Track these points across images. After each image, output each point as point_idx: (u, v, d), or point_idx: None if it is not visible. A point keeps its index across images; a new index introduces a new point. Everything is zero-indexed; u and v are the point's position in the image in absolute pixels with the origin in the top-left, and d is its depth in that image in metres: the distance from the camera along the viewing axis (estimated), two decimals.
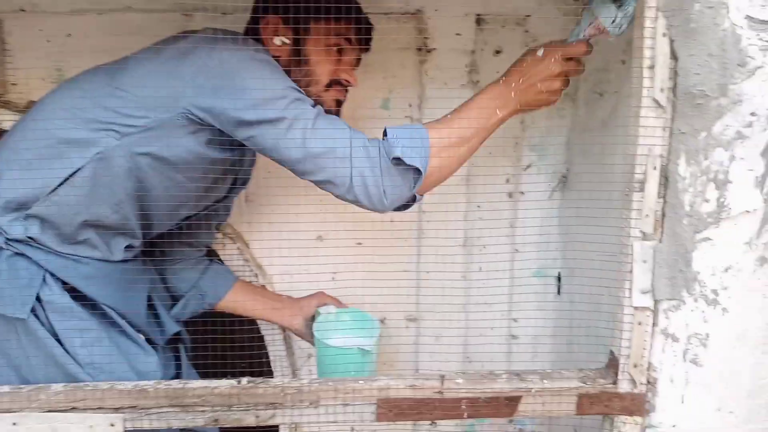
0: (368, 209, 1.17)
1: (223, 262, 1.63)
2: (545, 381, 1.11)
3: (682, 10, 0.96)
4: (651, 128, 1.00)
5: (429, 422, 1.83)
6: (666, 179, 1.03)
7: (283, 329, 1.72)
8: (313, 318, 1.57)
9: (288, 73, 1.19)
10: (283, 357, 1.74)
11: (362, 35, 1.30)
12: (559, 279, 1.72)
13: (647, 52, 0.99)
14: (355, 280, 1.64)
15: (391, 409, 1.09)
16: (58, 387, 1.07)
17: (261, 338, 1.72)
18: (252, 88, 1.09)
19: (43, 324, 1.13)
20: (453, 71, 1.58)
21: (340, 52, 1.29)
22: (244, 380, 1.09)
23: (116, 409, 1.07)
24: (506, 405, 1.11)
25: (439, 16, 1.55)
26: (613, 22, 1.12)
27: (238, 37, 1.21)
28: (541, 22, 1.57)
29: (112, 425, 1.07)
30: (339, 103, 1.33)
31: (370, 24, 1.33)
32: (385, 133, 1.16)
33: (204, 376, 1.31)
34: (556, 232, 1.69)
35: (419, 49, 1.60)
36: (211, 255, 1.61)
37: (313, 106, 1.15)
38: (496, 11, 1.57)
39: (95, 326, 1.17)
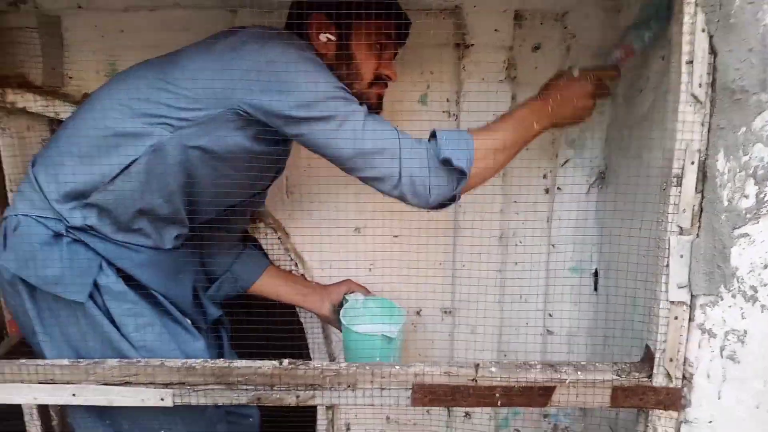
0: (412, 205, 1.23)
1: (257, 247, 1.69)
2: (579, 372, 1.13)
3: (722, 6, 0.96)
4: (689, 123, 1.01)
5: (464, 414, 1.85)
6: (704, 174, 1.03)
7: (326, 323, 1.77)
8: (341, 305, 1.62)
9: (332, 69, 1.23)
10: (321, 345, 1.79)
11: (401, 30, 1.35)
12: (596, 275, 1.72)
13: (686, 48, 0.99)
14: (392, 271, 1.69)
15: (426, 394, 1.13)
16: (113, 362, 1.14)
17: (300, 327, 1.78)
18: (302, 87, 1.14)
19: (99, 308, 1.20)
20: (491, 67, 1.60)
21: (380, 47, 1.33)
22: (286, 362, 1.14)
23: (166, 385, 1.14)
24: (540, 395, 1.13)
25: (478, 13, 1.57)
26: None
27: (284, 34, 1.25)
28: (580, 18, 1.57)
29: (162, 399, 1.14)
30: (380, 97, 1.37)
31: (409, 19, 1.38)
32: (432, 135, 1.22)
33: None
34: (593, 227, 1.68)
35: (457, 45, 1.62)
36: (246, 240, 1.67)
37: (360, 105, 1.19)
38: (535, 7, 1.58)
39: (147, 311, 1.24)
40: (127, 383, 1.13)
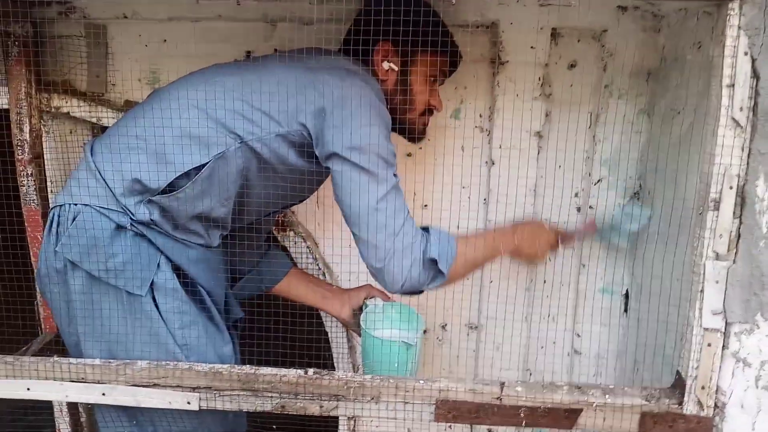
0: (381, 282, 1.29)
1: (280, 247, 1.70)
2: (607, 396, 1.11)
3: (766, 29, 0.95)
4: (728, 147, 0.99)
5: (486, 430, 1.83)
6: (743, 200, 1.01)
7: (345, 326, 1.78)
8: (360, 309, 1.62)
9: (391, 97, 1.31)
10: (345, 354, 1.80)
11: (455, 67, 1.44)
12: (627, 296, 1.69)
13: (727, 71, 0.98)
14: None
15: (449, 410, 1.12)
16: (143, 364, 1.17)
17: (326, 335, 1.79)
18: (360, 132, 1.19)
19: (153, 303, 1.23)
20: (525, 83, 1.59)
21: (434, 80, 1.39)
22: (311, 371, 1.15)
23: (193, 389, 1.16)
24: (565, 417, 1.11)
25: (514, 29, 1.57)
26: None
27: (361, 72, 1.29)
28: (618, 37, 1.56)
29: (189, 402, 1.15)
30: (425, 125, 1.44)
31: (461, 56, 1.44)
32: (426, 229, 1.29)
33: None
34: (625, 249, 1.66)
35: (492, 61, 1.62)
36: (269, 240, 1.69)
37: (394, 175, 1.25)
38: (573, 25, 1.57)
39: (192, 310, 1.26)
40: (155, 385, 1.15)
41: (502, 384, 1.13)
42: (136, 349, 1.21)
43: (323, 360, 1.84)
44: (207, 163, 1.22)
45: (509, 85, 1.60)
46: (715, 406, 1.08)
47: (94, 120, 1.66)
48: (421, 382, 1.13)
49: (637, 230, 1.52)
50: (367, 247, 1.25)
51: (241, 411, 1.21)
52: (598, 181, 1.66)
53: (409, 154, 1.70)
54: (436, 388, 1.12)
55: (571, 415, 1.11)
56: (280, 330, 1.57)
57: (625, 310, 1.70)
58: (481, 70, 1.64)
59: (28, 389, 1.16)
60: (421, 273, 1.25)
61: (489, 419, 1.12)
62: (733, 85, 0.97)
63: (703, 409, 1.08)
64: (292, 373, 1.14)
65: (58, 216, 1.25)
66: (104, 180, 1.23)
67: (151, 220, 1.23)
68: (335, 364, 1.81)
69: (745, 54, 0.96)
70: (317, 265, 1.75)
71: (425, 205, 1.74)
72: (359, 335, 1.63)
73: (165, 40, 1.67)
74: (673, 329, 1.34)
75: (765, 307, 1.03)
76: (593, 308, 1.70)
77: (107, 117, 1.67)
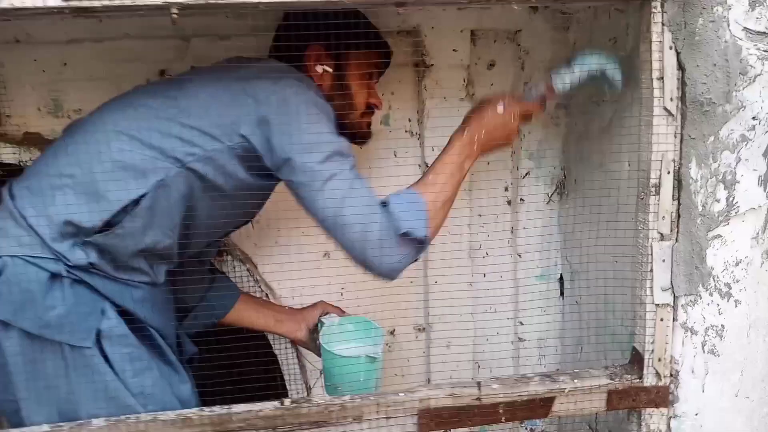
0: (375, 276, 1.22)
1: (225, 274, 1.63)
2: (576, 381, 1.16)
3: (687, 24, 1.03)
4: (663, 135, 1.07)
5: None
6: (679, 182, 1.09)
7: (294, 345, 1.73)
8: (316, 327, 1.59)
9: (329, 101, 1.23)
10: (296, 375, 1.75)
11: (388, 59, 1.42)
12: (561, 281, 1.79)
13: (656, 65, 1.05)
14: (364, 293, 1.68)
15: (432, 419, 1.12)
16: (99, 422, 1.07)
17: (274, 358, 1.73)
18: (307, 134, 1.13)
19: (101, 354, 1.12)
20: (451, 86, 1.63)
21: (370, 77, 1.37)
22: (287, 401, 1.10)
23: None
24: (541, 406, 1.15)
25: (436, 33, 1.60)
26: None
27: (295, 72, 1.23)
28: (532, 35, 1.64)
29: None
30: (369, 125, 1.42)
31: (392, 51, 1.43)
32: (385, 203, 1.20)
33: (220, 397, 1.31)
34: (557, 235, 1.75)
35: (416, 65, 1.64)
36: (213, 268, 1.61)
37: (352, 158, 1.19)
38: (489, 26, 1.63)
39: (145, 355, 1.17)
40: None
41: (479, 383, 1.15)
42: (88, 407, 1.11)
43: (275, 382, 1.78)
44: (146, 194, 1.13)
45: (436, 88, 1.63)
46: (671, 375, 1.17)
47: None
48: (402, 394, 1.12)
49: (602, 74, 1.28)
50: (346, 249, 1.19)
51: None
52: (527, 173, 1.73)
53: None
54: (417, 398, 1.12)
55: (546, 403, 1.15)
56: (224, 359, 1.50)
57: (561, 294, 1.79)
58: (406, 75, 1.65)
59: None
60: (403, 250, 1.18)
61: (470, 420, 1.14)
62: (662, 78, 1.05)
63: (661, 380, 1.17)
64: (269, 406, 1.09)
65: None
66: (30, 226, 1.11)
67: (89, 263, 1.13)
68: (287, 386, 1.76)
69: (671, 48, 1.05)
70: (259, 287, 1.69)
71: None
72: (318, 355, 1.59)
73: (65, 64, 1.53)
74: (616, 308, 1.43)
75: (705, 278, 1.13)
76: (533, 295, 1.77)
77: (7, 153, 1.50)
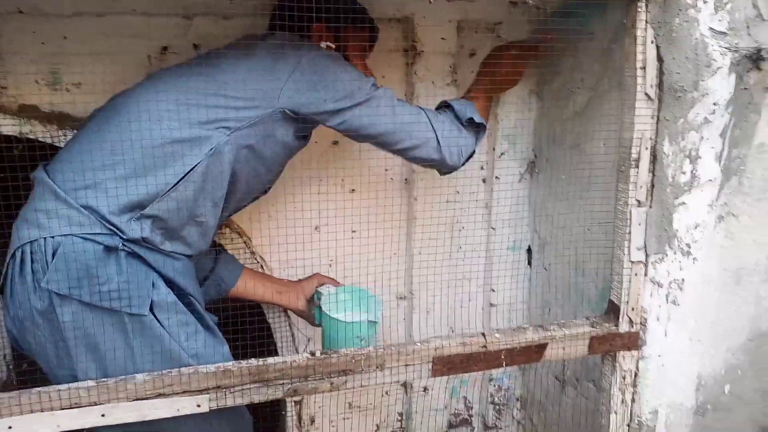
0: (446, 167, 1.47)
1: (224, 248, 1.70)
2: (564, 329, 1.34)
3: (666, 23, 1.22)
4: (643, 117, 1.25)
5: (422, 389, 2.01)
6: (654, 157, 1.29)
7: (287, 315, 1.82)
8: (313, 298, 1.69)
9: None
10: (290, 343, 1.84)
11: (376, 35, 1.55)
12: (529, 251, 1.97)
13: (639, 56, 1.23)
14: (351, 265, 1.79)
15: (444, 365, 1.26)
16: (142, 376, 1.12)
17: (268, 326, 1.81)
18: (343, 80, 1.27)
19: (156, 321, 1.17)
20: (439, 71, 1.76)
21: (363, 52, 1.48)
22: (318, 352, 1.20)
23: (201, 391, 1.15)
24: (536, 352, 1.32)
25: (426, 22, 1.73)
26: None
27: (306, 41, 1.35)
28: (511, 27, 1.80)
29: (198, 405, 1.14)
30: None
31: (378, 28, 1.55)
32: (445, 104, 1.47)
33: None
34: (527, 210, 1.93)
35: (406, 51, 1.76)
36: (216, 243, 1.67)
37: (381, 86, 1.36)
38: (473, 18, 1.77)
39: (192, 320, 1.24)
40: (160, 395, 1.12)
41: (483, 334, 1.29)
42: (146, 371, 1.16)
43: (267, 350, 1.85)
44: (200, 162, 1.21)
45: (425, 74, 1.76)
46: (640, 322, 1.37)
47: None
48: (418, 344, 1.25)
49: None
50: (417, 150, 1.38)
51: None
52: (502, 154, 1.90)
53: (335, 143, 1.78)
54: (432, 347, 1.25)
55: (540, 349, 1.32)
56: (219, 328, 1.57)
57: (529, 263, 1.98)
58: (395, 60, 1.77)
59: (10, 428, 1.06)
60: (469, 137, 1.43)
61: (476, 366, 1.28)
62: (644, 68, 1.24)
63: (633, 326, 1.36)
64: (301, 358, 1.19)
65: (31, 253, 1.14)
66: (82, 206, 1.15)
67: (142, 237, 1.18)
68: (279, 353, 1.85)
69: (652, 42, 1.23)
70: (255, 259, 1.76)
71: (353, 190, 1.84)
72: (314, 324, 1.69)
73: (65, 37, 1.53)
74: (587, 270, 1.63)
75: (671, 239, 1.33)
76: (505, 265, 1.95)
77: (7, 125, 1.49)
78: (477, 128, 1.46)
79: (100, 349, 1.15)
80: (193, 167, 1.19)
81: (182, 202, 1.20)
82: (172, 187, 1.19)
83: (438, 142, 1.38)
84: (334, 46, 1.41)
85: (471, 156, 1.48)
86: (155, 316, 1.18)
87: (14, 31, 1.50)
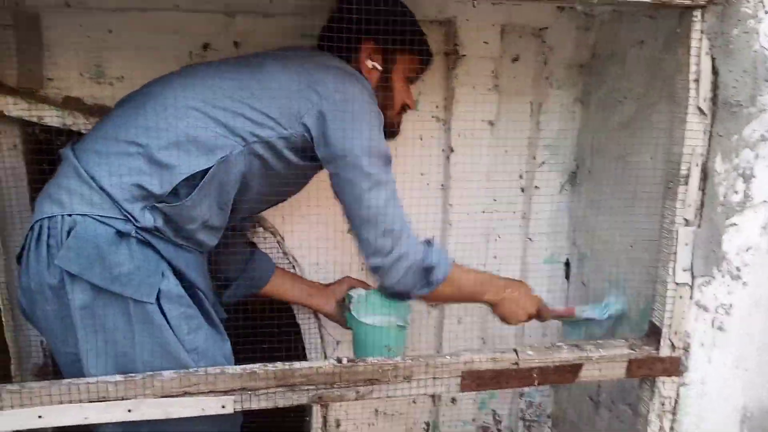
0: (378, 281, 1.34)
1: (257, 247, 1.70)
2: (601, 350, 1.28)
3: (723, 34, 1.15)
4: (695, 132, 1.19)
5: (450, 400, 1.97)
6: (705, 174, 1.22)
7: (317, 317, 1.81)
8: (343, 301, 1.67)
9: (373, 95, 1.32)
10: (318, 345, 1.83)
11: (427, 66, 1.50)
12: (567, 265, 1.91)
13: (693, 68, 1.17)
14: None
15: (474, 380, 1.23)
16: (170, 374, 1.12)
17: (297, 328, 1.80)
18: (365, 136, 1.22)
19: (160, 311, 1.18)
20: (481, 76, 1.72)
21: (410, 79, 1.45)
22: (344, 360, 1.18)
23: (226, 392, 1.14)
24: (570, 371, 1.27)
25: (469, 25, 1.69)
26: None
27: (357, 74, 1.32)
28: (557, 33, 1.75)
29: (223, 406, 1.14)
30: (400, 124, 1.50)
31: (433, 57, 1.50)
32: (428, 242, 1.36)
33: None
34: (566, 222, 1.87)
35: (447, 54, 1.73)
36: (250, 242, 1.67)
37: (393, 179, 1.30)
38: (516, 22, 1.73)
39: (197, 314, 1.24)
40: (186, 393, 1.12)
41: (516, 350, 1.25)
42: (144, 359, 1.17)
43: (295, 353, 1.85)
44: (210, 167, 1.20)
45: (467, 78, 1.72)
46: (683, 347, 1.30)
47: (35, 119, 1.51)
48: (448, 357, 1.22)
49: (609, 321, 1.57)
50: (369, 247, 1.29)
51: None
52: (542, 163, 1.85)
53: None
54: (461, 361, 1.22)
55: (575, 369, 1.27)
56: (249, 327, 1.57)
57: (566, 277, 1.92)
58: (435, 63, 1.73)
59: (40, 417, 1.07)
60: (415, 277, 1.31)
61: (507, 383, 1.24)
62: (698, 80, 1.17)
63: (675, 351, 1.30)
64: (328, 364, 1.17)
65: (48, 228, 1.15)
66: (101, 188, 1.16)
67: (155, 227, 1.19)
68: (308, 356, 1.84)
69: (707, 54, 1.17)
70: (287, 259, 1.75)
71: None
72: (344, 327, 1.67)
73: (110, 31, 1.56)
74: (628, 288, 1.56)
75: (720, 261, 1.26)
76: (540, 277, 1.90)
77: (50, 116, 1.52)
78: (428, 282, 1.33)
79: (105, 332, 1.15)
80: (202, 172, 1.19)
81: (189, 208, 1.20)
82: (181, 196, 1.19)
83: (389, 260, 1.27)
84: (381, 67, 1.37)
85: (408, 298, 1.38)
86: (160, 306, 1.18)
87: (61, 24, 1.53)
